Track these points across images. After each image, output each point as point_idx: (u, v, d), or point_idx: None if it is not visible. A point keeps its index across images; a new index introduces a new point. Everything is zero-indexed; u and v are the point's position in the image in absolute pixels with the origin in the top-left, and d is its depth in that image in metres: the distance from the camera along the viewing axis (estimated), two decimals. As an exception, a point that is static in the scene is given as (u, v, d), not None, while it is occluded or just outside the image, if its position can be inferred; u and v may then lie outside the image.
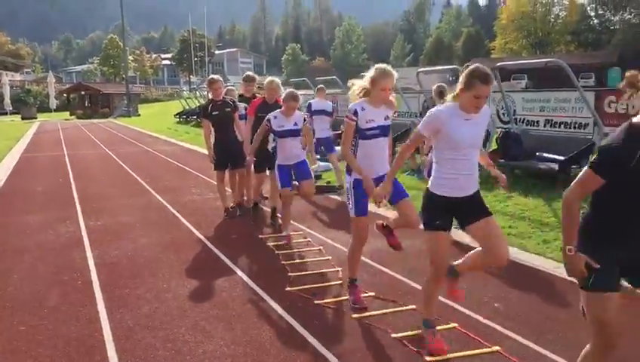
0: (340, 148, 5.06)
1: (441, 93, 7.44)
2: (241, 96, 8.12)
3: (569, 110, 11.07)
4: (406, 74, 40.48)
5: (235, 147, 7.35)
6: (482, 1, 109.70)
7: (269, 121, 5.88)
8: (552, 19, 62.88)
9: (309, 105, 9.97)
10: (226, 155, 7.38)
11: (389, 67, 3.95)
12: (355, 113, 3.95)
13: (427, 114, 3.41)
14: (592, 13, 61.12)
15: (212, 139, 7.43)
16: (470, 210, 3.44)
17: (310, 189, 6.13)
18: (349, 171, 4.13)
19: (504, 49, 63.19)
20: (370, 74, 3.95)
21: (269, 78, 7.06)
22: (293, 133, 5.93)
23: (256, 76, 8.58)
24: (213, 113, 7.25)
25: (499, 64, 8.72)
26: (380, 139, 4.05)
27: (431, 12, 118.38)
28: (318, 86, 10.77)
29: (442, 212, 3.44)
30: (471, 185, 3.45)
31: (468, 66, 3.31)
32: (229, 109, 7.34)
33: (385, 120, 4.05)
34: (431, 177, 3.52)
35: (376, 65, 3.98)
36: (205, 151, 9.03)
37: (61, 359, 3.56)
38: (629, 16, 56.82)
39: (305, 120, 6.03)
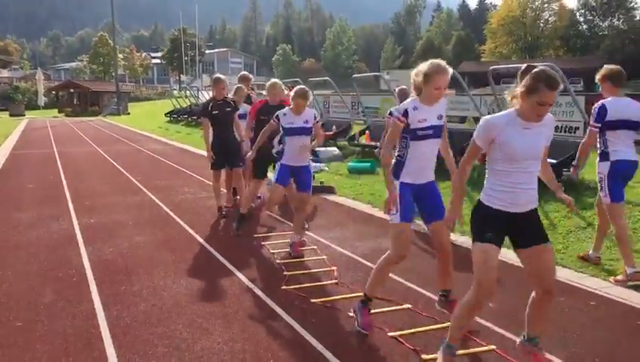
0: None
1: (405, 95, 7.57)
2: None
3: (559, 114, 11.20)
4: (397, 76, 40.71)
5: (233, 147, 7.32)
6: (473, 5, 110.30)
7: (277, 117, 5.67)
8: (542, 24, 63.47)
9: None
10: (224, 155, 7.31)
11: (444, 63, 3.63)
12: (406, 114, 3.66)
13: (480, 122, 3.11)
14: (581, 19, 61.80)
15: (211, 138, 7.37)
16: (527, 231, 3.15)
17: (305, 202, 5.88)
18: (394, 174, 3.83)
19: (494, 53, 63.71)
20: (422, 69, 3.64)
21: (272, 81, 6.92)
22: (303, 131, 5.65)
23: (251, 76, 8.54)
24: (214, 112, 7.18)
25: (492, 67, 8.80)
26: (433, 140, 3.78)
27: (421, 15, 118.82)
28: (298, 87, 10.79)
29: (494, 226, 3.10)
30: (529, 200, 3.14)
31: (530, 68, 2.95)
32: (229, 109, 7.27)
33: (438, 119, 3.77)
34: (483, 188, 3.21)
35: (431, 61, 3.68)
36: (197, 151, 9.08)
37: (59, 354, 3.56)
38: (617, 22, 57.53)
39: (316, 118, 5.76)
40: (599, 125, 4.95)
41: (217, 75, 7.65)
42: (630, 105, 4.94)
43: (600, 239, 5.32)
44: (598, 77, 5.18)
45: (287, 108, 5.72)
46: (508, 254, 5.50)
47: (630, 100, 5.02)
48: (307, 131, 5.68)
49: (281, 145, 6.18)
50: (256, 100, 7.84)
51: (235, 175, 7.55)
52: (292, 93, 5.65)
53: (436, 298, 4.25)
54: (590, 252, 5.37)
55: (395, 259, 3.80)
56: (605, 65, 5.19)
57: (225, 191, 8.03)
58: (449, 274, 4.01)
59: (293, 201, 6.10)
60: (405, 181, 3.81)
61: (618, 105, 4.88)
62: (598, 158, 5.09)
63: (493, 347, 3.59)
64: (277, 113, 5.69)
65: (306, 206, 5.98)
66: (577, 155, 5.32)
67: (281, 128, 5.73)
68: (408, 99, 3.78)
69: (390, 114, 3.82)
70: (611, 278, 4.89)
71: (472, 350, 3.57)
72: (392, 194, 3.74)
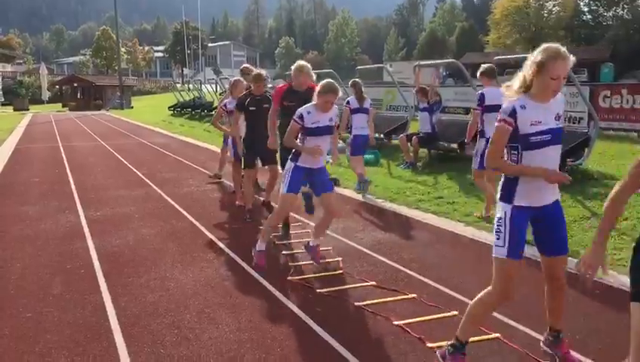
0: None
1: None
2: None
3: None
4: (401, 68, 40.62)
5: (265, 143, 6.61)
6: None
7: (301, 117, 4.89)
8: (546, 15, 63.07)
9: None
10: (258, 152, 6.83)
11: (563, 48, 2.89)
12: (514, 113, 2.91)
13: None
14: (586, 9, 61.37)
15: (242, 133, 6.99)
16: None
17: (334, 203, 5.21)
18: (505, 198, 3.06)
19: (498, 44, 63.34)
20: (536, 57, 2.90)
21: (300, 63, 6.08)
22: (328, 131, 5.02)
23: (254, 68, 8.28)
24: (250, 108, 6.66)
25: (496, 58, 8.79)
26: (552, 147, 2.98)
27: (425, 6, 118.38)
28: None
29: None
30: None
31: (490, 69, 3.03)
32: (267, 105, 6.60)
33: (556, 120, 3.00)
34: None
35: (545, 46, 2.95)
36: (201, 144, 9.14)
37: (69, 345, 3.61)
38: (622, 12, 57.12)
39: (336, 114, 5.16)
40: (480, 109, 6.33)
41: (259, 70, 7.12)
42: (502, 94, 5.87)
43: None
44: (478, 73, 6.63)
45: (310, 105, 4.98)
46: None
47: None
48: (331, 130, 5.08)
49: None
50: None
51: (272, 172, 6.96)
52: (319, 89, 4.90)
53: (442, 287, 4.27)
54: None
55: (497, 299, 3.09)
56: (482, 64, 6.68)
57: (233, 186, 8.06)
58: (561, 313, 3.33)
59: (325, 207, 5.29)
60: (519, 204, 3.01)
61: (493, 93, 6.15)
62: (479, 136, 6.46)
63: (497, 335, 3.63)
64: (299, 112, 4.91)
65: (337, 206, 5.35)
66: (467, 134, 6.91)
67: (303, 129, 4.98)
68: (514, 97, 3.01)
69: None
70: (475, 213, 6.80)
71: (476, 338, 3.60)
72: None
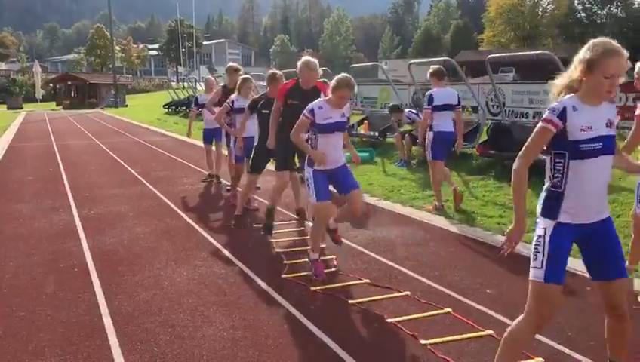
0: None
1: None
2: (224, 87, 8.13)
3: (558, 102, 11.20)
4: (396, 66, 40.63)
5: (280, 148, 6.03)
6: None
7: (312, 112, 4.57)
8: (540, 13, 63.28)
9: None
10: (270, 156, 6.33)
11: (616, 43, 2.53)
12: (563, 114, 2.54)
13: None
14: (580, 7, 61.55)
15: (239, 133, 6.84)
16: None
17: (361, 201, 4.88)
18: (546, 212, 2.70)
19: (492, 42, 63.51)
20: (585, 54, 2.54)
21: (306, 58, 5.50)
22: (340, 127, 4.70)
23: (241, 67, 8.33)
24: (263, 111, 6.14)
25: (490, 56, 8.81)
26: (605, 158, 2.60)
27: (420, 4, 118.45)
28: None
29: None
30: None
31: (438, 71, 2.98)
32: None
33: (608, 127, 2.60)
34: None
35: (595, 41, 2.56)
36: (196, 142, 9.15)
37: (62, 343, 3.60)
38: (616, 10, 57.34)
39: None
40: (430, 108, 6.88)
41: (274, 70, 6.65)
42: (450, 93, 6.99)
43: None
44: (427, 74, 7.13)
45: (322, 100, 4.70)
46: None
47: (451, 90, 7.11)
48: (344, 127, 4.78)
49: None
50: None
51: (293, 179, 6.46)
52: (333, 83, 4.56)
53: (436, 285, 4.29)
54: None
55: (535, 323, 2.67)
56: (431, 66, 7.20)
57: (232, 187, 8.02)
58: (624, 348, 2.85)
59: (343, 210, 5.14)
60: (564, 221, 2.64)
61: (441, 93, 6.91)
62: (427, 130, 7.02)
63: (490, 332, 3.64)
64: (310, 107, 4.61)
65: (362, 205, 5.08)
66: (419, 135, 7.55)
67: (313, 126, 4.69)
68: (564, 96, 2.64)
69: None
70: (427, 207, 7.18)
71: (469, 335, 3.62)
72: (520, 225, 2.70)
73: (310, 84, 5.48)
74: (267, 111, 5.98)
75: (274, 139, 5.77)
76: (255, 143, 6.38)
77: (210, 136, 9.43)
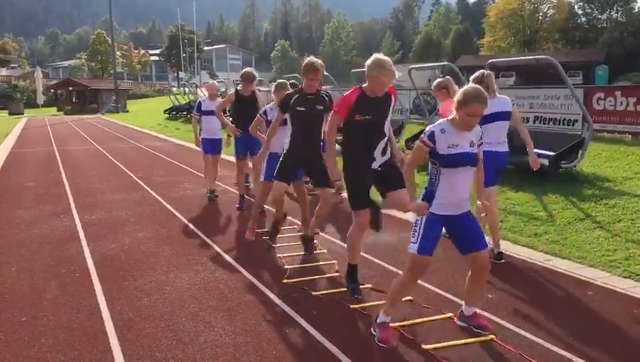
0: None
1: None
2: (237, 93, 7.45)
3: (558, 107, 11.23)
4: (396, 71, 40.67)
5: (315, 154, 5.29)
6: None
7: (431, 137, 3.44)
8: (540, 17, 63.40)
9: (199, 103, 8.66)
10: (302, 164, 5.37)
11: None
12: None
13: None
14: (580, 12, 61.70)
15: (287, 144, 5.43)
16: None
17: (488, 269, 3.72)
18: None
19: (493, 46, 63.62)
20: None
21: (377, 56, 4.14)
22: (470, 161, 3.52)
23: (256, 73, 7.66)
24: (298, 108, 5.09)
25: (491, 61, 8.82)
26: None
27: (420, 9, 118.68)
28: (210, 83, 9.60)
29: None
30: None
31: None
32: (320, 107, 5.15)
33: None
34: None
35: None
36: (197, 148, 9.12)
37: (64, 348, 3.61)
38: (616, 15, 57.44)
39: None
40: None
41: (311, 57, 5.28)
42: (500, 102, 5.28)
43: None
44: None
45: (444, 121, 3.53)
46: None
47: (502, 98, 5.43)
48: (475, 160, 3.67)
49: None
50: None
51: (323, 195, 5.31)
52: (459, 97, 3.43)
53: (437, 289, 4.29)
54: None
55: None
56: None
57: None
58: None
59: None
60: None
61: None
62: None
63: (492, 336, 3.64)
64: (430, 130, 3.47)
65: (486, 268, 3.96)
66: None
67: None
68: None
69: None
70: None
71: (471, 340, 3.62)
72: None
73: (383, 91, 4.17)
74: (302, 109, 5.08)
75: (333, 164, 4.48)
76: (286, 148, 5.31)
77: (209, 146, 8.56)
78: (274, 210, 6.03)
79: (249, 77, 7.31)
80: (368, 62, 4.10)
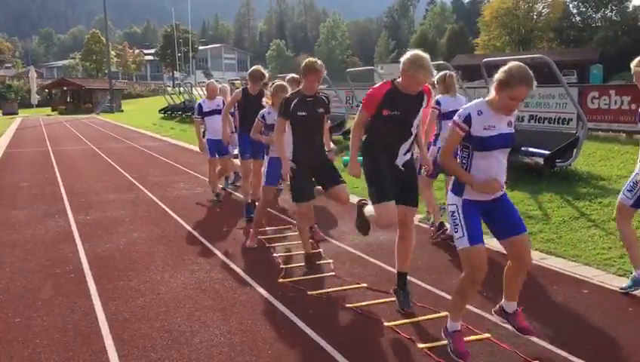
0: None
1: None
2: (245, 90, 6.94)
3: (553, 106, 11.26)
4: (392, 70, 40.67)
5: (322, 159, 5.13)
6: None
7: (467, 120, 3.20)
8: (535, 17, 63.50)
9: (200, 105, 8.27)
10: (311, 171, 5.07)
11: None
12: None
13: None
14: (575, 11, 61.83)
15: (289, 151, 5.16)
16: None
17: (530, 254, 3.52)
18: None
19: (487, 46, 63.70)
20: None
21: (414, 52, 3.91)
22: (506, 142, 3.31)
23: (265, 72, 7.03)
24: (299, 113, 4.86)
25: (486, 60, 8.83)
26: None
27: (415, 8, 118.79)
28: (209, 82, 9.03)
29: None
30: None
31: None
32: (321, 110, 4.98)
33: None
34: None
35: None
36: (191, 147, 9.09)
37: (58, 349, 3.59)
38: (611, 14, 57.61)
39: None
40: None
41: (311, 59, 5.04)
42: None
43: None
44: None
45: (481, 102, 3.29)
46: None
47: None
48: (511, 142, 3.41)
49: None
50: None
51: (340, 194, 5.06)
52: (500, 76, 3.13)
53: (432, 288, 4.29)
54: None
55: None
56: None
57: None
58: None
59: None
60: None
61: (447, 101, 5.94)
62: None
63: (488, 335, 3.64)
64: (466, 112, 3.23)
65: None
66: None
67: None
68: None
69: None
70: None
71: (466, 338, 3.61)
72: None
73: (417, 89, 3.96)
74: (304, 114, 4.88)
75: (357, 169, 4.27)
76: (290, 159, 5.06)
77: (214, 147, 8.12)
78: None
79: (256, 76, 6.87)
80: (404, 58, 3.86)
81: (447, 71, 5.71)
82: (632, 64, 4.27)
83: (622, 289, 4.35)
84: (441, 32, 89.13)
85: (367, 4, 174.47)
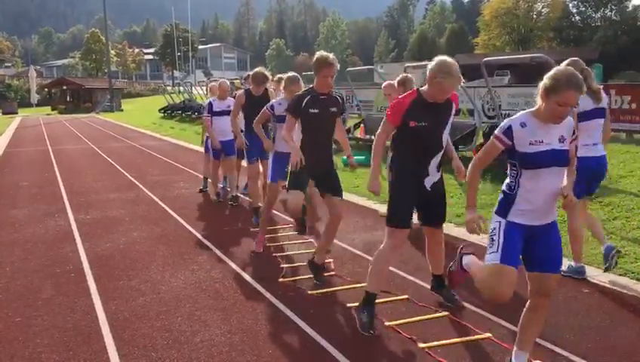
0: None
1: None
2: (248, 91, 6.79)
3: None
4: (392, 69, 40.70)
5: (328, 166, 4.86)
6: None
7: (509, 132, 2.94)
8: (535, 16, 63.49)
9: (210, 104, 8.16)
10: (313, 171, 4.77)
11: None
12: None
13: None
14: (574, 10, 61.79)
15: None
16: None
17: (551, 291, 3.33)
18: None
19: (487, 45, 63.66)
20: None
21: (441, 58, 3.72)
22: (560, 159, 3.05)
23: (268, 74, 6.80)
24: (311, 111, 4.59)
25: (485, 59, 8.84)
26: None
27: (415, 8, 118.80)
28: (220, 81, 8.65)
29: None
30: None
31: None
32: (334, 109, 4.71)
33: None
34: None
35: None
36: (191, 146, 9.09)
37: (59, 349, 3.59)
38: (610, 14, 57.59)
39: None
40: None
41: (323, 53, 4.70)
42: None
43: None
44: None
45: (526, 113, 3.02)
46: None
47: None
48: (565, 159, 3.14)
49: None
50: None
51: (332, 209, 4.89)
52: (546, 82, 2.88)
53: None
54: None
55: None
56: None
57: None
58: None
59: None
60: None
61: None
62: None
63: (488, 334, 3.64)
64: (507, 124, 2.97)
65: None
66: None
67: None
68: None
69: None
70: None
71: (467, 338, 3.62)
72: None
73: (444, 98, 3.75)
74: (316, 111, 4.60)
75: (377, 182, 3.94)
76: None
77: (220, 148, 8.03)
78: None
79: (259, 78, 6.64)
80: (432, 65, 3.64)
81: (407, 74, 5.68)
82: None
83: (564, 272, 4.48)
84: (441, 31, 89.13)
85: (367, 4, 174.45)
